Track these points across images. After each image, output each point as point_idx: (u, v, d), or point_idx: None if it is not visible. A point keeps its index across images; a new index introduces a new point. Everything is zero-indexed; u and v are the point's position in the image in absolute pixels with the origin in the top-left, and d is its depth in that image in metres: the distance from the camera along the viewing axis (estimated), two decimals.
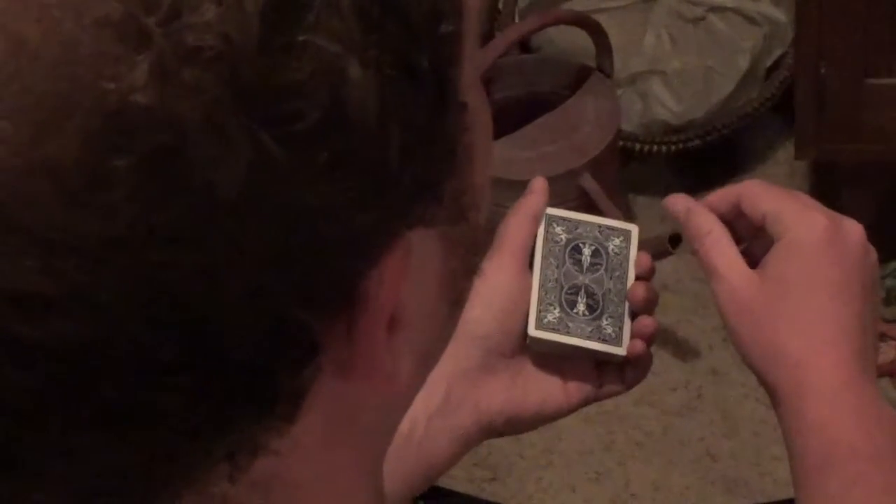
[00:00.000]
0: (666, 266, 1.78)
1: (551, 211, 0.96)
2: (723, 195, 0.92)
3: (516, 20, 1.90)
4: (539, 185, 0.97)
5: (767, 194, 0.89)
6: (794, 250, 0.86)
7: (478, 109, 0.49)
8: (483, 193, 0.50)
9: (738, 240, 0.91)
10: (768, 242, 0.89)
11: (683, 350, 1.77)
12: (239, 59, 0.39)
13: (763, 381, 0.87)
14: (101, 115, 0.38)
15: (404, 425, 0.55)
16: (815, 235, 0.86)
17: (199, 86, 0.39)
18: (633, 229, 0.97)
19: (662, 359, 1.74)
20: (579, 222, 0.96)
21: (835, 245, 0.86)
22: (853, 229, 0.88)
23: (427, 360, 0.52)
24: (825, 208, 0.89)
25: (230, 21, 0.39)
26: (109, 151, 0.39)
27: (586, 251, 0.96)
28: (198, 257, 0.40)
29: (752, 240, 0.91)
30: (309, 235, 0.42)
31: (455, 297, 0.52)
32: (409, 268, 0.46)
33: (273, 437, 0.45)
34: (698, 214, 0.91)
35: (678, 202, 0.93)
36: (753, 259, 0.89)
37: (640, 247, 0.97)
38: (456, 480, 1.62)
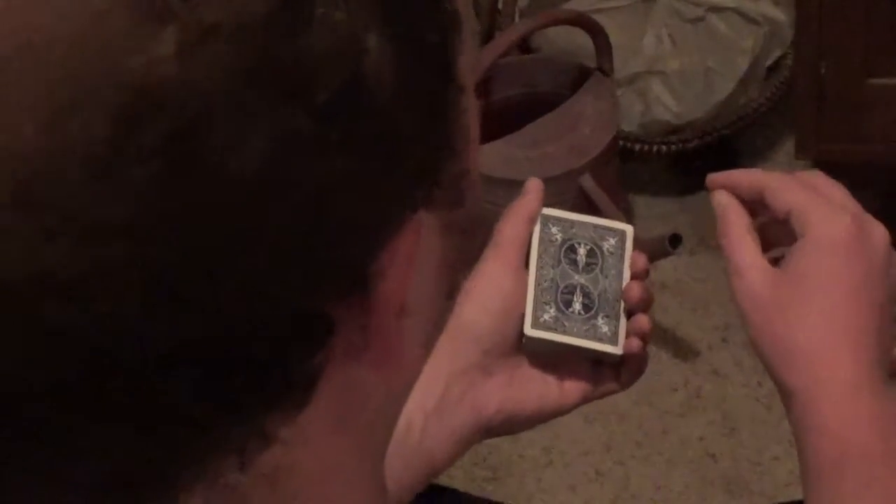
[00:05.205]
0: (666, 266, 1.78)
1: (547, 211, 0.96)
2: (750, 181, 0.91)
3: (516, 20, 1.90)
4: (534, 186, 0.97)
5: (793, 190, 0.88)
6: (816, 249, 0.86)
7: (472, 95, 0.49)
8: (476, 179, 0.50)
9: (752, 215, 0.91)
10: (788, 230, 0.88)
11: (683, 350, 1.77)
12: (259, 32, 0.40)
13: (776, 378, 0.86)
14: (127, 89, 0.39)
15: (401, 424, 0.55)
16: (838, 235, 0.86)
17: (220, 59, 0.39)
18: (628, 229, 0.97)
19: (662, 359, 1.74)
20: (574, 222, 0.96)
21: (856, 246, 0.86)
22: (877, 232, 0.87)
23: (427, 346, 0.52)
24: (852, 206, 0.88)
25: None
26: (136, 126, 0.39)
27: (581, 251, 0.96)
28: (219, 236, 0.40)
29: (773, 227, 0.90)
30: (324, 212, 0.42)
31: (451, 284, 0.52)
32: (417, 252, 0.46)
33: (282, 426, 0.45)
34: (732, 211, 0.90)
35: (721, 197, 0.92)
36: (767, 243, 0.89)
37: (641, 247, 0.97)
38: (456, 480, 1.63)
